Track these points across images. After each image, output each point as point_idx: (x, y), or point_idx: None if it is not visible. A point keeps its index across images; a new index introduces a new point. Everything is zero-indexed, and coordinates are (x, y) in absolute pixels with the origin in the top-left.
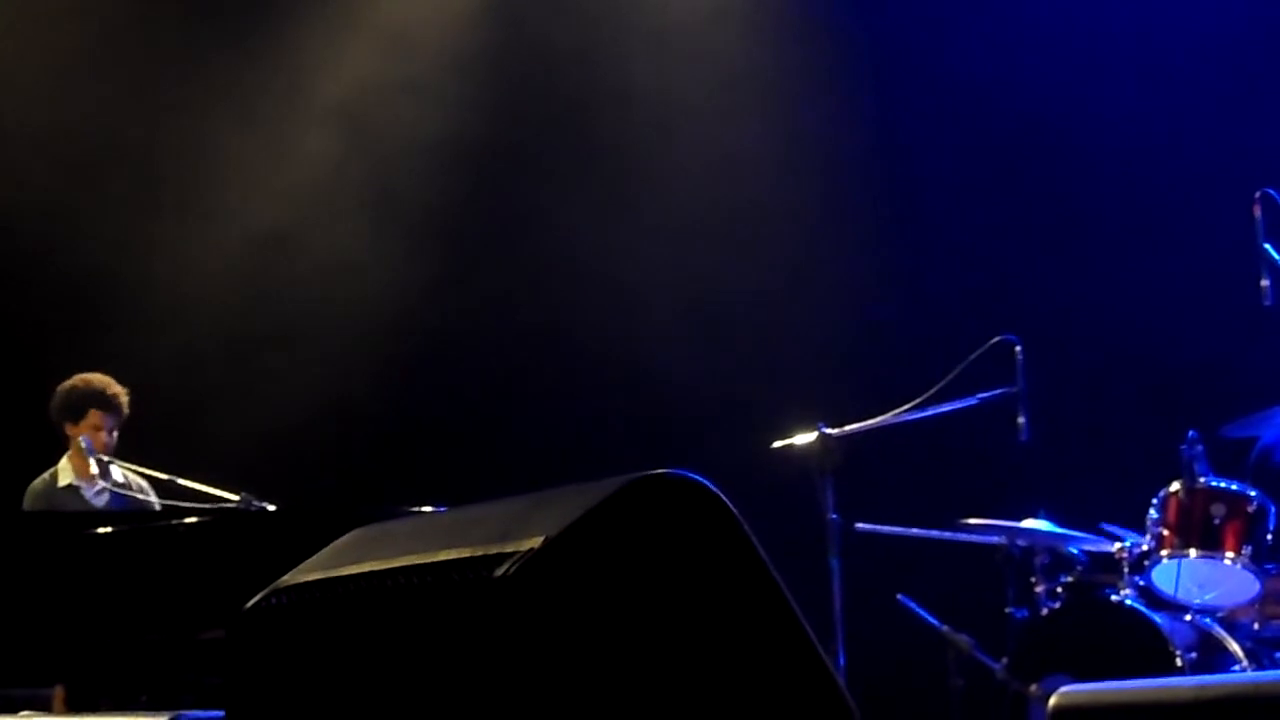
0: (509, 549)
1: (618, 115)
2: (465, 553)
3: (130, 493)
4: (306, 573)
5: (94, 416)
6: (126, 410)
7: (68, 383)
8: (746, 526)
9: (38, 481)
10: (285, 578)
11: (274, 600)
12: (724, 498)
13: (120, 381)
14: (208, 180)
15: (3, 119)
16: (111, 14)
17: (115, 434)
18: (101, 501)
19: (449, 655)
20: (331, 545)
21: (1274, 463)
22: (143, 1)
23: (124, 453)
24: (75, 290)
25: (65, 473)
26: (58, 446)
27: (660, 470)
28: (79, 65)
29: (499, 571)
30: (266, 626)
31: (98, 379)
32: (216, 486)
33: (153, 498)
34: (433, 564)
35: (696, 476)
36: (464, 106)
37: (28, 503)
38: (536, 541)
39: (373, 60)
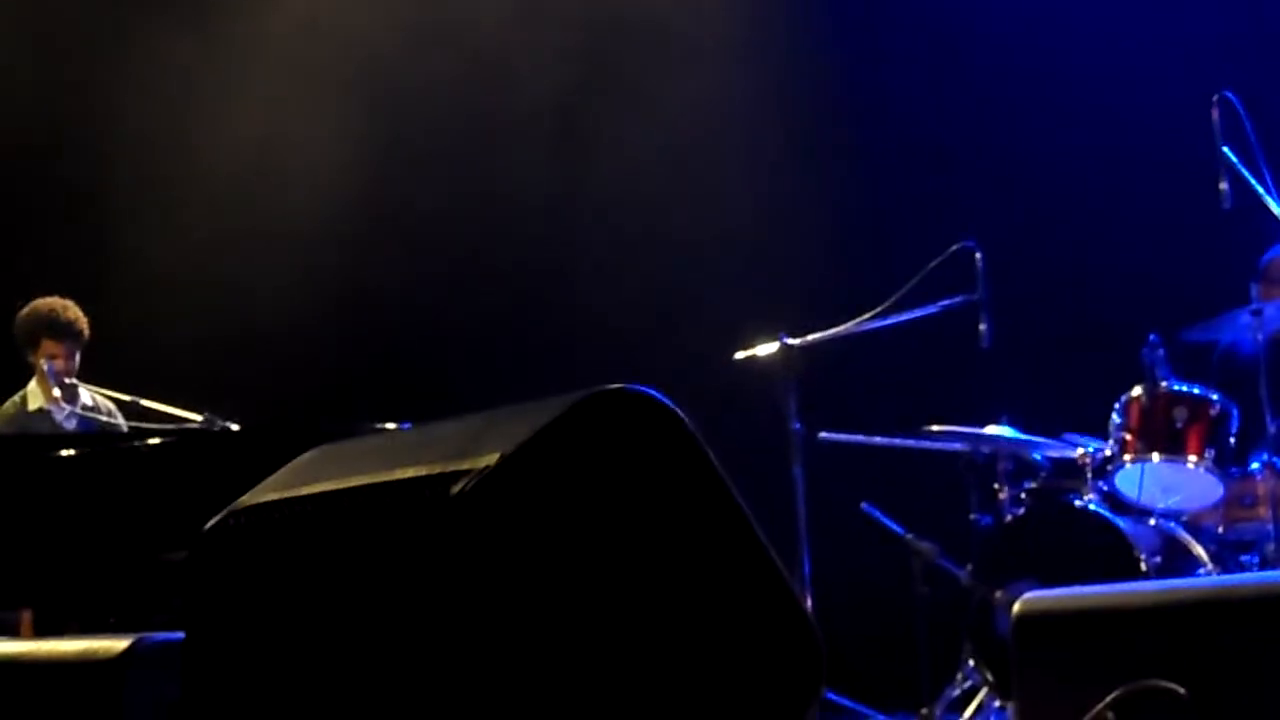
0: (465, 466)
1: (585, 52)
2: (422, 471)
3: (98, 415)
4: (264, 493)
5: (47, 345)
6: (85, 333)
7: (23, 309)
8: (702, 440)
9: (7, 405)
10: (244, 498)
11: (232, 521)
12: (679, 412)
13: (81, 301)
14: (170, 92)
15: None
16: None
17: (76, 358)
18: (71, 425)
19: (407, 573)
20: (290, 465)
21: (1236, 365)
22: None
23: (88, 373)
24: (41, 204)
25: (35, 396)
26: (26, 367)
27: (614, 385)
28: None
29: (455, 489)
30: (225, 547)
31: (47, 305)
32: (180, 406)
33: (120, 420)
34: (389, 483)
35: (650, 391)
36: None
37: None
38: (492, 459)
39: None
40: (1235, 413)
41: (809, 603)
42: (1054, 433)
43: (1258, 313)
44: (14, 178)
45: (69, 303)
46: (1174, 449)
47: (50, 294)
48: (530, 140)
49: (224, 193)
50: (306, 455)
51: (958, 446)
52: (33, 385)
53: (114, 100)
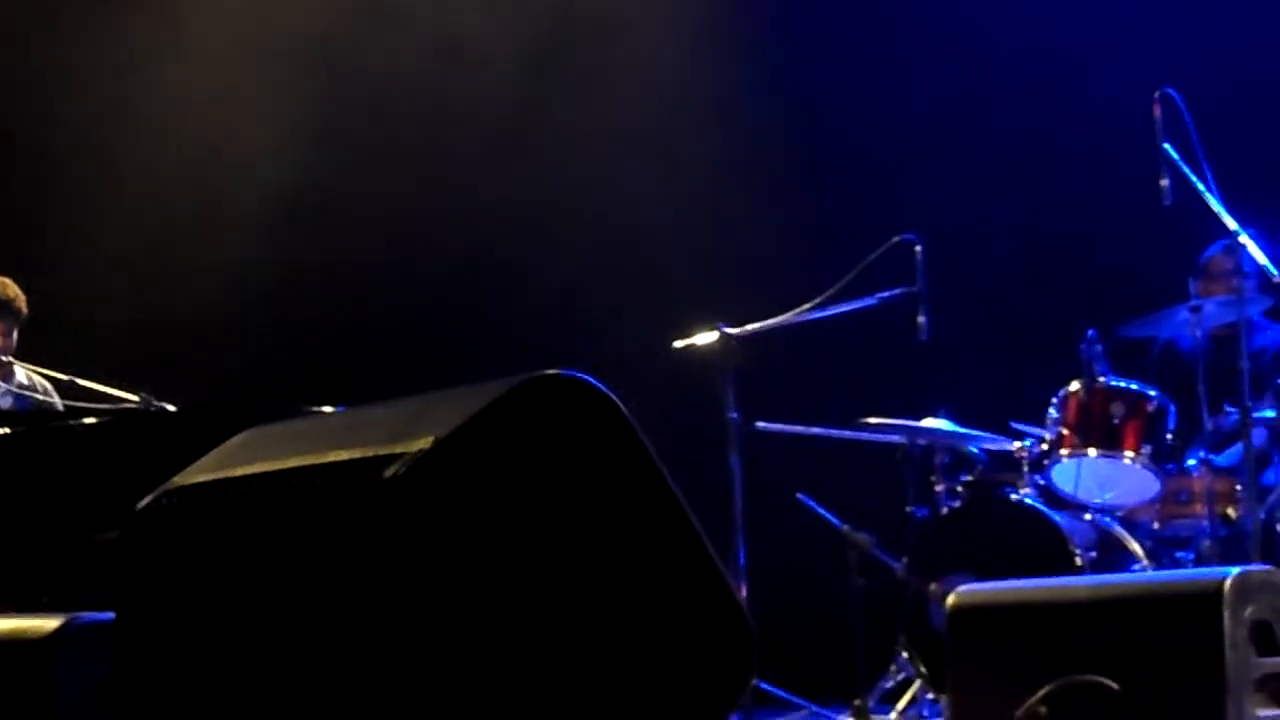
0: (399, 450)
1: (534, 41)
2: (356, 454)
3: (34, 394)
4: (197, 474)
5: None
6: (24, 311)
7: None
8: (637, 426)
9: None
10: (176, 479)
11: (165, 501)
12: (614, 397)
13: (19, 280)
14: (114, 72)
15: None
16: None
17: (14, 335)
18: (6, 403)
19: (339, 556)
20: (224, 445)
21: (1174, 362)
22: None
23: (24, 352)
24: None
25: None
26: None
27: (549, 370)
28: None
29: (389, 472)
30: (157, 528)
31: None
32: (116, 387)
33: (55, 399)
34: (323, 465)
35: (585, 376)
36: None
37: None
38: (426, 442)
39: None
40: (1172, 409)
41: (744, 592)
42: (991, 426)
43: (1196, 309)
44: None
45: (7, 280)
46: (1111, 444)
47: None
48: (475, 127)
49: (165, 174)
50: (240, 437)
51: (895, 439)
52: None
53: (56, 81)
